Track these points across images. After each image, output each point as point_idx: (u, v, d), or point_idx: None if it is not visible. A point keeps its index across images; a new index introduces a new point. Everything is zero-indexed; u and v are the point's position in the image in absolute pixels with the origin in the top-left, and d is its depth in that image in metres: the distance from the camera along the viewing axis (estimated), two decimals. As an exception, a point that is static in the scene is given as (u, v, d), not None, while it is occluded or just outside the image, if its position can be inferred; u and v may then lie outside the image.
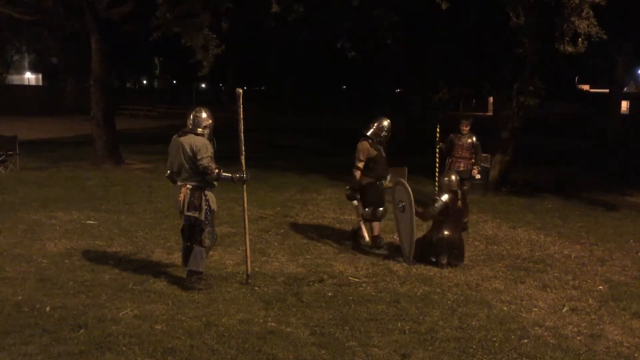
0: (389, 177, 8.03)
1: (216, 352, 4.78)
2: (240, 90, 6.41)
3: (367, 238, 7.86)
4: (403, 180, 7.57)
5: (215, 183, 6.26)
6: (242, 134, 6.38)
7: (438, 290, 6.41)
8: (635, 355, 5.00)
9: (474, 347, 5.01)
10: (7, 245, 7.68)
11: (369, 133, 7.88)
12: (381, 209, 7.87)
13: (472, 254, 7.88)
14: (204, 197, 6.16)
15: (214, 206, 6.30)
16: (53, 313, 5.47)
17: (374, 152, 7.78)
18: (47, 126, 27.57)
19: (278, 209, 10.51)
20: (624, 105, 38.98)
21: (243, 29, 18.76)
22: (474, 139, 10.30)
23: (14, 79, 49.41)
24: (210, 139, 6.21)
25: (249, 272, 6.50)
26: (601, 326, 5.55)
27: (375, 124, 7.95)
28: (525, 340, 5.17)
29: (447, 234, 7.24)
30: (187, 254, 6.33)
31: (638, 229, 9.68)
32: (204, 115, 6.22)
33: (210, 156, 6.07)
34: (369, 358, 4.78)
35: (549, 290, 6.53)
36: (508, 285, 6.65)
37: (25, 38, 40.38)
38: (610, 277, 7.07)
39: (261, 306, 5.80)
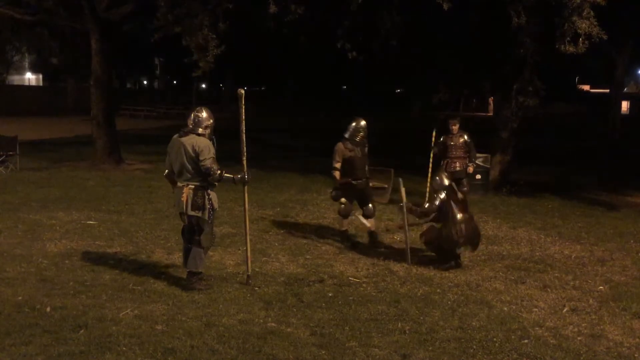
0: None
1: (216, 352, 4.77)
2: (242, 91, 6.39)
3: (368, 225, 8.22)
4: (400, 183, 7.57)
5: (216, 183, 6.26)
6: (243, 135, 6.37)
7: (438, 290, 6.41)
8: (636, 355, 4.99)
9: (475, 347, 5.01)
10: (7, 245, 7.68)
11: (346, 134, 8.10)
12: (370, 206, 8.17)
13: (472, 254, 7.88)
14: (207, 197, 6.15)
15: (216, 205, 6.31)
16: (53, 313, 5.46)
17: (349, 153, 7.99)
18: (47, 126, 27.57)
19: (278, 209, 10.52)
20: (624, 105, 39.03)
21: (243, 30, 18.76)
22: (466, 137, 10.27)
23: (15, 79, 49.32)
24: (210, 139, 6.21)
25: (249, 273, 6.50)
26: (601, 326, 5.55)
27: (352, 125, 8.14)
28: (526, 341, 5.16)
29: (464, 225, 7.12)
30: (188, 255, 6.33)
31: (638, 229, 9.68)
32: (204, 114, 6.20)
33: (213, 157, 6.07)
34: (369, 358, 4.78)
35: (549, 290, 6.53)
36: (508, 286, 6.65)
37: (25, 38, 40.34)
38: (611, 277, 7.07)
39: (261, 306, 5.79)
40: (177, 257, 7.14)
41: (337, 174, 8.04)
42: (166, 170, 6.41)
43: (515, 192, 12.61)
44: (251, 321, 5.41)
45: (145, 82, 66.52)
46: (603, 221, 10.24)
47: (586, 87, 61.02)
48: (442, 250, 7.26)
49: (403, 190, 7.38)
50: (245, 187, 6.48)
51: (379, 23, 12.91)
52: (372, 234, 8.32)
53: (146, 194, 11.50)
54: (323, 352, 4.84)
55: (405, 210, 7.36)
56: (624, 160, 19.23)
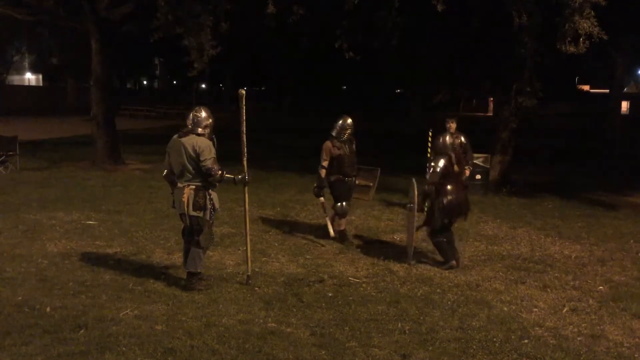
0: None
1: (216, 352, 4.77)
2: (243, 91, 6.38)
3: (332, 233, 8.29)
4: (414, 181, 7.56)
5: (217, 184, 6.26)
6: (244, 136, 6.36)
7: (438, 290, 6.41)
8: (636, 355, 4.99)
9: (474, 347, 5.01)
10: (7, 245, 7.68)
11: (333, 133, 8.22)
12: (344, 204, 8.22)
13: (472, 254, 7.89)
14: (208, 197, 6.15)
15: (217, 206, 6.31)
16: (53, 313, 5.46)
17: (336, 151, 8.12)
18: (47, 126, 27.57)
19: (278, 209, 10.52)
20: (624, 105, 39.03)
21: (243, 30, 18.75)
22: (462, 138, 10.24)
23: (15, 79, 49.34)
24: (210, 138, 6.20)
25: (249, 273, 6.50)
26: (601, 327, 5.55)
27: (339, 123, 8.27)
28: (526, 341, 5.16)
29: (454, 196, 7.15)
30: (188, 255, 6.32)
31: (638, 229, 9.68)
32: (203, 114, 6.19)
33: (214, 157, 6.06)
34: (369, 358, 4.78)
35: (549, 290, 6.53)
36: (508, 286, 6.65)
37: (25, 38, 40.42)
38: (611, 277, 7.07)
39: (261, 306, 5.79)
40: (177, 257, 7.14)
41: (323, 172, 8.18)
42: (165, 171, 6.38)
43: (515, 192, 12.62)
44: (251, 321, 5.41)
45: (145, 82, 66.54)
46: (603, 221, 10.24)
47: (586, 87, 61.05)
48: (442, 237, 7.25)
49: (416, 191, 7.33)
50: (246, 188, 6.48)
51: (379, 23, 12.91)
52: (341, 232, 8.34)
53: (146, 194, 11.50)
54: (323, 352, 4.84)
55: (415, 210, 7.31)
56: (624, 160, 19.24)
